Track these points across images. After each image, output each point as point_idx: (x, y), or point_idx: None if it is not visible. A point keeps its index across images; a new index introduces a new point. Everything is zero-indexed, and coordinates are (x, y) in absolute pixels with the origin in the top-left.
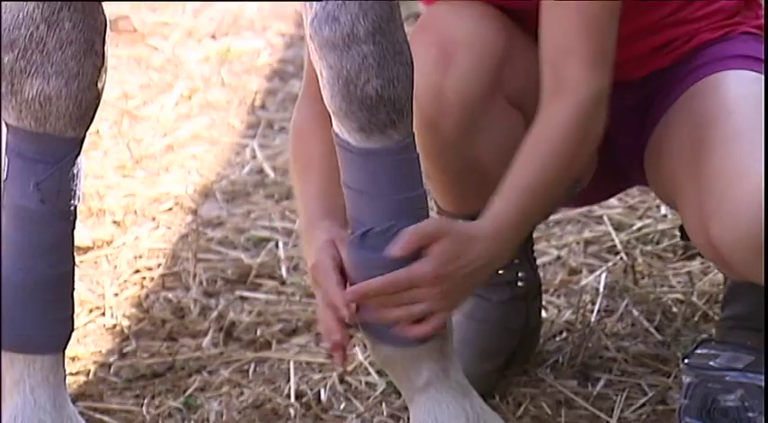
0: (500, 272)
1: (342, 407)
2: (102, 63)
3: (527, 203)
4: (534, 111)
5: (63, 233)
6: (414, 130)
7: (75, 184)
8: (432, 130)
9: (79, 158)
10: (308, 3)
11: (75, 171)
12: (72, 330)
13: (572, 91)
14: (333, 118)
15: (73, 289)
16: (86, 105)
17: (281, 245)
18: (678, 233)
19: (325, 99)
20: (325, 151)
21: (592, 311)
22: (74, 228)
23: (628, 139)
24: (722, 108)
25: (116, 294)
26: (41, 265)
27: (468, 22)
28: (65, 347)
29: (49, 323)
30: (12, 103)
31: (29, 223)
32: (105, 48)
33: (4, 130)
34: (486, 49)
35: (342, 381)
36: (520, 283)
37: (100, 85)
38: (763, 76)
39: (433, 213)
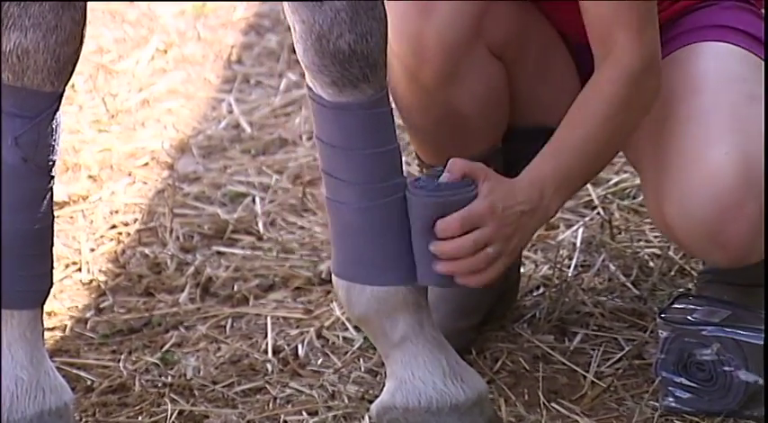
0: None
1: (319, 362)
2: (82, 17)
3: (564, 164)
4: (518, 62)
5: (42, 188)
6: (388, 83)
7: (54, 140)
8: (412, 78)
9: (58, 113)
10: None
11: (53, 126)
12: (51, 286)
13: (622, 57)
14: (306, 72)
15: (52, 244)
16: (65, 59)
17: (257, 200)
18: None
19: (298, 53)
20: None
21: (569, 267)
22: (53, 182)
23: None
24: (690, 85)
25: (92, 250)
26: (20, 220)
27: None
28: (43, 303)
29: (28, 278)
30: None
31: (7, 178)
32: (85, 2)
33: None
34: None
35: (319, 336)
36: None
37: (79, 40)
38: (743, 52)
39: (411, 168)
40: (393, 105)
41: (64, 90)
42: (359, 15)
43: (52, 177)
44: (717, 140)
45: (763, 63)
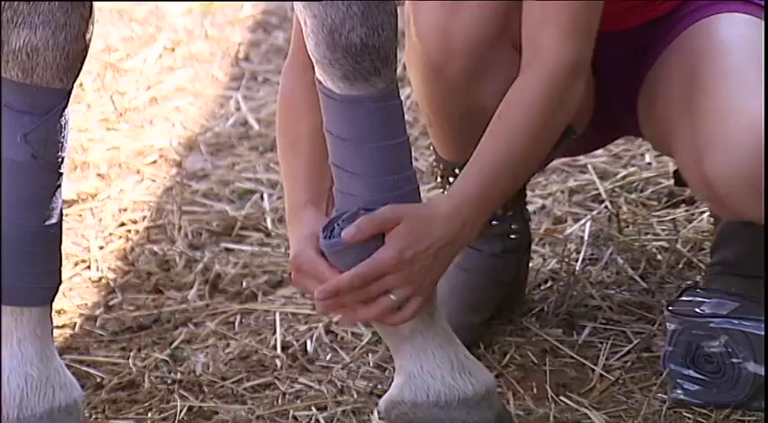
0: (493, 223)
1: (328, 357)
2: (90, 14)
3: (490, 179)
4: None
5: (51, 185)
6: (409, 74)
7: (63, 137)
8: (437, 74)
9: (67, 110)
10: None
11: (62, 123)
12: (60, 283)
13: (545, 61)
14: (316, 66)
15: (61, 241)
16: (73, 56)
17: (265, 196)
18: (672, 178)
19: (308, 48)
20: (313, 128)
21: (577, 260)
22: (62, 180)
23: (621, 89)
24: (716, 47)
25: (101, 247)
26: (30, 218)
27: None
28: (52, 300)
29: (37, 276)
30: None
31: (17, 175)
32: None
33: None
34: None
35: (328, 331)
36: (512, 236)
37: (87, 37)
38: (758, 20)
39: (418, 164)
40: (409, 100)
41: (72, 87)
42: (370, 9)
43: (61, 174)
44: (754, 93)
45: None
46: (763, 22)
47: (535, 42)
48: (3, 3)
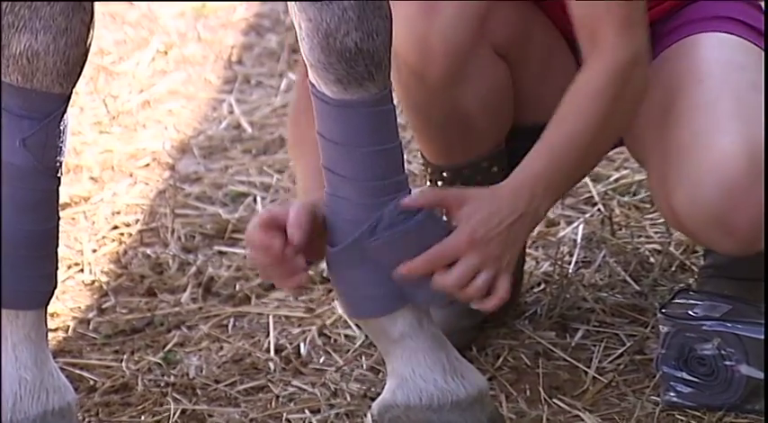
0: None
1: (321, 360)
2: (91, 19)
3: (556, 159)
4: (522, 61)
5: (48, 189)
6: (392, 81)
7: (62, 141)
8: (418, 79)
9: (65, 115)
10: None
11: (61, 128)
12: (55, 287)
13: (608, 53)
14: (310, 70)
15: (57, 245)
16: (74, 61)
17: (258, 199)
18: None
19: (303, 51)
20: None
21: (569, 263)
22: (59, 184)
23: None
24: (693, 75)
25: (94, 250)
26: (26, 222)
27: None
28: (47, 304)
29: (33, 279)
30: None
31: (14, 179)
32: (93, 4)
33: None
34: None
35: (321, 334)
36: None
37: (87, 42)
38: (747, 43)
39: (411, 166)
40: (397, 105)
41: (72, 92)
42: (365, 14)
43: (59, 179)
44: (723, 128)
45: (761, 52)
46: (752, 46)
47: (595, 38)
48: (4, 7)
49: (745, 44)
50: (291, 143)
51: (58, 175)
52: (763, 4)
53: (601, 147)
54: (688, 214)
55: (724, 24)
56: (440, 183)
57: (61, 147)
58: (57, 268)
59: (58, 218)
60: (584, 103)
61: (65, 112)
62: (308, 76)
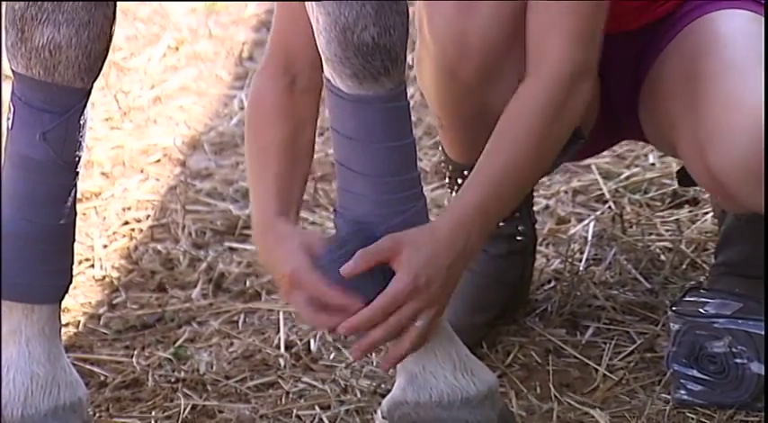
0: (500, 224)
1: (331, 357)
2: (113, 14)
3: (492, 191)
4: None
5: (68, 184)
6: (418, 76)
7: (81, 136)
8: (452, 75)
9: (86, 110)
10: None
11: (81, 122)
12: (70, 282)
13: (549, 69)
14: (325, 64)
15: (74, 240)
16: (95, 55)
17: None
18: (676, 179)
19: (319, 45)
20: (282, 137)
21: (580, 260)
22: (78, 179)
23: (623, 90)
24: (716, 41)
25: (105, 246)
26: (45, 216)
27: None
28: (62, 298)
29: (50, 274)
30: (21, 50)
31: (34, 173)
32: None
33: (9, 80)
34: None
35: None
36: (518, 238)
37: (109, 36)
38: (758, 16)
39: (422, 164)
40: (413, 100)
41: (92, 86)
42: (383, 9)
43: (77, 173)
44: (755, 85)
45: None
46: (763, 19)
47: (540, 49)
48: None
49: (758, 17)
50: (252, 142)
51: (77, 169)
52: None
53: (537, 172)
54: (724, 169)
55: (734, 2)
56: (459, 181)
57: (80, 141)
58: (73, 263)
59: (75, 212)
60: (520, 127)
61: (85, 106)
62: (274, 73)
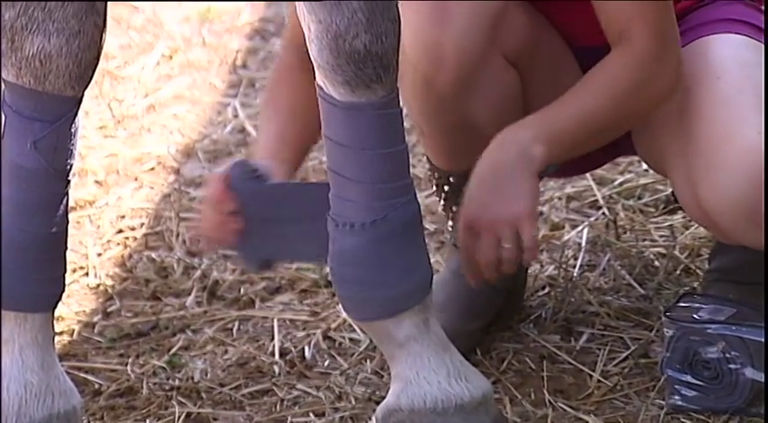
0: None
1: (326, 364)
2: (103, 22)
3: (555, 121)
4: (531, 69)
5: (59, 192)
6: (400, 89)
7: (72, 144)
8: (428, 86)
9: (77, 118)
10: None
11: (72, 131)
12: (63, 290)
13: (635, 43)
14: (318, 72)
15: (66, 249)
16: (86, 64)
17: None
18: (672, 195)
19: (311, 53)
20: (293, 103)
21: (574, 266)
22: (69, 187)
23: None
24: (709, 73)
25: (99, 254)
26: (37, 224)
27: None
28: (55, 307)
29: (42, 282)
30: (11, 59)
31: (25, 181)
32: (106, 7)
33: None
34: (482, 5)
35: (325, 338)
36: None
37: (100, 45)
38: (754, 41)
39: (416, 170)
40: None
41: (83, 95)
42: (375, 16)
43: (69, 182)
44: (748, 121)
45: None
46: (759, 44)
47: (624, 33)
48: (17, 9)
49: (753, 43)
50: (266, 102)
51: (68, 177)
52: (762, 6)
53: (607, 129)
54: (717, 208)
55: (730, 25)
56: (446, 188)
57: (72, 150)
58: (65, 272)
59: (68, 221)
60: (601, 85)
61: (76, 115)
62: (294, 47)
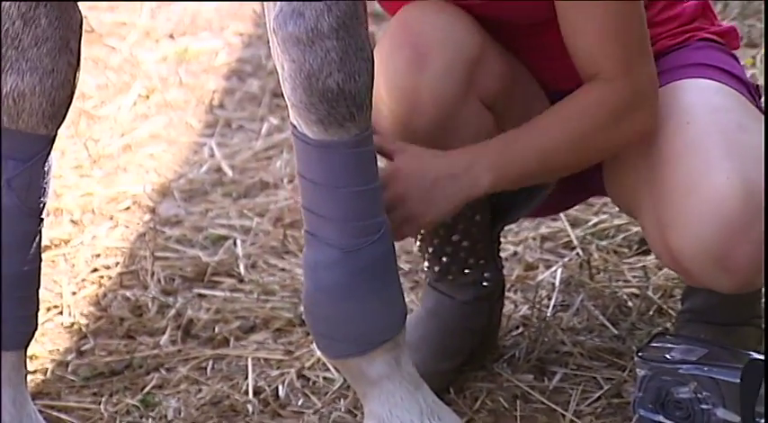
0: (466, 271)
1: (300, 403)
2: (77, 61)
3: (514, 149)
4: (507, 112)
5: (32, 230)
6: (376, 125)
7: (46, 182)
8: (405, 129)
9: (50, 156)
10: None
11: (45, 169)
12: (36, 328)
13: (608, 85)
14: (291, 111)
15: (38, 287)
16: (59, 103)
17: (239, 243)
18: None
19: (285, 92)
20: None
21: (548, 306)
22: (42, 225)
23: None
24: (679, 118)
25: (74, 293)
26: (10, 263)
27: (441, 23)
28: (27, 345)
29: (14, 320)
30: None
31: None
32: (80, 46)
33: None
34: (459, 50)
35: (299, 376)
36: (485, 284)
37: (73, 84)
38: (726, 88)
39: None
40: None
41: (56, 133)
42: (348, 56)
43: (42, 220)
44: (716, 167)
45: (740, 96)
46: (731, 90)
47: (596, 65)
48: None
49: (725, 88)
50: None
51: (42, 216)
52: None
53: (565, 162)
54: (686, 254)
55: (702, 70)
56: (422, 230)
57: (45, 188)
58: (38, 310)
59: (41, 259)
60: (569, 111)
61: (49, 153)
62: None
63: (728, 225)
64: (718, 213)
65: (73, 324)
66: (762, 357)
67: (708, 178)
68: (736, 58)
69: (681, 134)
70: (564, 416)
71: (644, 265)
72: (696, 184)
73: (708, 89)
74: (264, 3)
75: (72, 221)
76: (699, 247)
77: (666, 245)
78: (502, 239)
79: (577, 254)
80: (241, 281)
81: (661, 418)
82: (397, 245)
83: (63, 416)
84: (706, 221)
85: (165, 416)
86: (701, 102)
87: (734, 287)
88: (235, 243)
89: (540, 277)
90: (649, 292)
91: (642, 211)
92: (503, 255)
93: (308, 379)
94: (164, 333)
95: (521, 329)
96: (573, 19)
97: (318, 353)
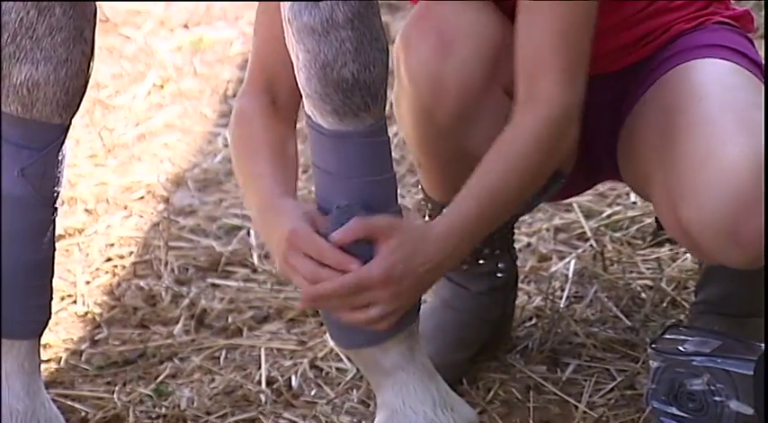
0: (480, 262)
1: (312, 393)
2: (91, 51)
3: (485, 209)
4: None
5: (46, 219)
6: (397, 116)
7: (60, 171)
8: (428, 117)
9: (64, 146)
10: None
11: (59, 158)
12: (49, 317)
13: (544, 105)
14: (306, 101)
15: (52, 276)
16: (73, 92)
17: (252, 233)
18: (655, 222)
19: (299, 82)
20: (273, 139)
21: (561, 298)
22: (56, 214)
23: (602, 133)
24: (691, 94)
25: (88, 282)
26: (24, 251)
27: (467, 11)
28: (41, 334)
29: (29, 309)
30: None
31: (12, 208)
32: (94, 35)
33: None
34: (485, 38)
35: (312, 367)
36: (499, 275)
37: (87, 73)
38: (737, 67)
39: (404, 201)
40: (397, 138)
41: (71, 123)
42: (363, 46)
43: (56, 209)
44: (729, 140)
45: (753, 76)
46: (744, 70)
47: (532, 84)
48: (5, 37)
49: (738, 68)
50: (240, 146)
51: (55, 205)
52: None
53: (524, 198)
54: (697, 226)
55: (717, 51)
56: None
57: (59, 177)
58: (52, 299)
59: (54, 248)
60: (516, 154)
61: (63, 142)
62: (253, 94)
63: (740, 197)
64: (730, 185)
65: (87, 313)
66: None
67: (721, 151)
68: (750, 40)
69: (694, 110)
70: (577, 407)
71: (658, 257)
72: (709, 156)
73: (721, 69)
74: None
75: (86, 211)
76: (709, 218)
77: (677, 217)
78: (515, 230)
79: (591, 245)
80: (254, 271)
81: (674, 409)
82: None
83: (76, 405)
84: (717, 193)
85: (178, 405)
86: (714, 80)
87: (744, 262)
88: (248, 233)
89: (553, 268)
90: (663, 284)
91: (654, 185)
92: (517, 246)
93: (321, 369)
94: (177, 323)
95: (534, 321)
96: (527, 21)
97: (331, 343)
